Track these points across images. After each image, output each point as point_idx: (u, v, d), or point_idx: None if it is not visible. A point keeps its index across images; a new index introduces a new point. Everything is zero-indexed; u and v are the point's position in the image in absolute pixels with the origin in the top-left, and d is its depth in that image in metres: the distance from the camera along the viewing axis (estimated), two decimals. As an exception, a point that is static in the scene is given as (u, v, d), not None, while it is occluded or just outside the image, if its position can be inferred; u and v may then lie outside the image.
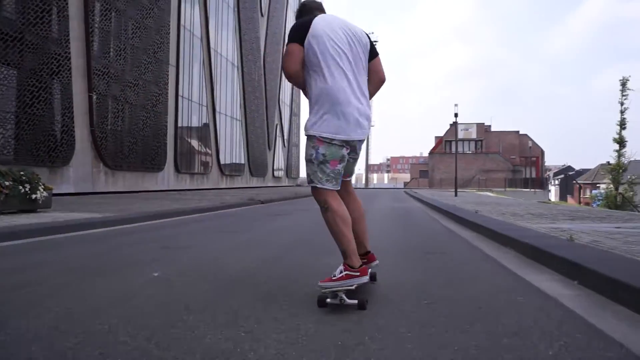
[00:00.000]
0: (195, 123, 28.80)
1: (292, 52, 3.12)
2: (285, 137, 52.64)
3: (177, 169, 26.03)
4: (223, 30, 33.14)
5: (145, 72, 22.42)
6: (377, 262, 3.61)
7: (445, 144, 74.20)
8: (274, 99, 47.19)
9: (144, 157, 22.45)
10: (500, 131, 74.69)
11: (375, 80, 3.40)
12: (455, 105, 26.80)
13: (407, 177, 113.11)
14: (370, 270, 3.39)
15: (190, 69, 27.88)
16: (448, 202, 17.36)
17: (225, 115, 33.80)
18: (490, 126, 75.14)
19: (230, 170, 35.13)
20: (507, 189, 56.80)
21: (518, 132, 75.22)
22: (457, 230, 8.50)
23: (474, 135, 72.73)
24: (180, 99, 26.34)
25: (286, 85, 52.66)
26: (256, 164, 40.86)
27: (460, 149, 73.20)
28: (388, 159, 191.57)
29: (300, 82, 3.26)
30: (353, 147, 3.23)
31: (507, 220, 8.80)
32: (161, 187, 24.25)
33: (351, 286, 2.96)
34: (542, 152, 73.20)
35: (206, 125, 30.24)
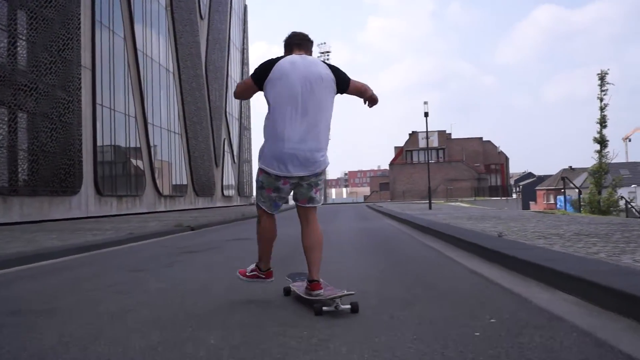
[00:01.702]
0: (121, 136, 24.53)
1: (245, 82, 3.75)
2: (235, 153, 48.56)
3: (99, 192, 21.72)
4: (153, 31, 29.04)
5: (48, 74, 18.18)
6: (321, 290, 3.44)
7: (405, 154, 71.48)
8: (220, 111, 43.15)
9: (50, 179, 18.13)
10: (463, 138, 72.43)
11: (362, 92, 3.78)
12: (425, 103, 23.52)
13: (366, 190, 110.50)
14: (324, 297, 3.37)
15: (112, 73, 23.68)
16: (430, 218, 13.93)
17: (161, 127, 29.60)
18: (450, 134, 72.68)
19: (170, 191, 30.86)
20: (476, 198, 54.06)
21: (481, 138, 73.10)
22: (533, 291, 4.75)
23: (435, 144, 70.13)
24: (99, 107, 22.11)
25: (232, 97, 48.66)
26: (201, 183, 36.65)
27: (422, 159, 70.61)
28: (346, 174, 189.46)
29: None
30: (294, 180, 3.51)
31: (567, 250, 5.46)
32: (77, 214, 19.90)
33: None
34: (507, 159, 71.19)
35: (135, 138, 25.98)
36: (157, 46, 29.67)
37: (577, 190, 46.16)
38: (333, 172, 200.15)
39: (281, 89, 3.43)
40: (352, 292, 3.36)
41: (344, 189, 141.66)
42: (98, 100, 21.97)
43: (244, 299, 3.77)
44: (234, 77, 49.57)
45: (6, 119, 16.09)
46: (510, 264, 4.82)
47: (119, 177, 24.57)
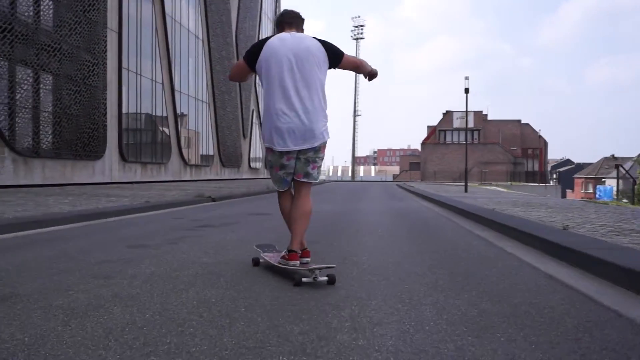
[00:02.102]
0: (147, 103, 24.05)
1: (238, 65, 3.82)
2: (264, 125, 47.87)
3: (124, 157, 21.34)
4: (182, -5, 28.34)
5: (72, 35, 17.68)
6: (297, 262, 3.52)
7: (438, 133, 69.71)
8: (249, 82, 42.44)
9: (73, 142, 17.76)
10: (500, 120, 70.06)
11: (358, 67, 3.81)
12: (466, 78, 22.34)
13: (395, 169, 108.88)
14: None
15: (139, 37, 23.12)
16: (469, 202, 13.12)
17: (188, 95, 29.08)
18: (486, 115, 70.48)
19: (196, 160, 30.46)
20: (512, 183, 52.41)
21: (519, 121, 70.58)
22: None
23: (471, 125, 68.16)
24: (125, 72, 21.61)
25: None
26: (228, 154, 36.19)
27: (455, 139, 68.93)
28: (375, 152, 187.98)
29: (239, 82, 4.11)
30: (294, 154, 3.58)
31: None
32: (101, 179, 19.57)
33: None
34: (546, 144, 68.84)
35: (162, 105, 25.49)
36: (186, 12, 28.97)
37: (616, 180, 44.53)
38: (362, 149, 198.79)
39: (272, 66, 3.51)
40: (333, 265, 3.52)
41: (373, 167, 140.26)
42: (124, 64, 21.47)
43: (247, 302, 2.93)
44: (265, 47, 48.62)
45: (30, 80, 15.66)
46: (603, 271, 3.61)
47: (144, 143, 24.17)
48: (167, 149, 26.16)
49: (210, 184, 23.41)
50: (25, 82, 15.54)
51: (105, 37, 19.79)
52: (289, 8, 3.89)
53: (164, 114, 25.72)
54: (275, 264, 3.62)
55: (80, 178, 18.26)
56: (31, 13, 15.92)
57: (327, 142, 3.69)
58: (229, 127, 36.37)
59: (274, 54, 3.52)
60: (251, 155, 43.34)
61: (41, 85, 16.17)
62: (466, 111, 23.39)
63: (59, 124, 16.96)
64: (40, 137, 16.10)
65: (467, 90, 22.64)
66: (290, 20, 3.75)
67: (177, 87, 27.14)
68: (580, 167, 78.79)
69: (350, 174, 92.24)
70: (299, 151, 3.56)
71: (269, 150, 3.66)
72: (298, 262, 3.51)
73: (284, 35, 3.62)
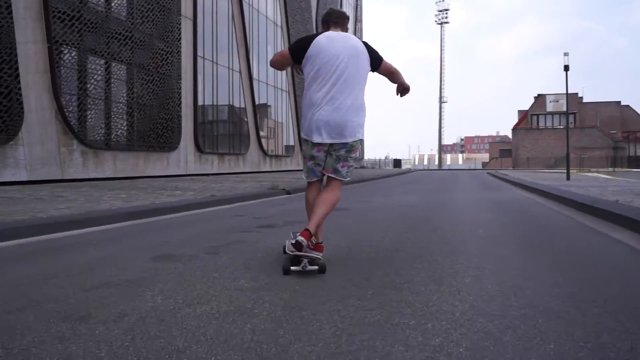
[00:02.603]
0: (224, 91, 23.35)
1: (282, 54, 3.78)
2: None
3: (199, 149, 20.73)
4: (259, -20, 27.42)
5: (145, 22, 17.11)
6: (306, 241, 3.29)
7: (530, 118, 65.55)
8: (331, 69, 41.19)
9: (146, 133, 17.24)
10: (597, 102, 64.83)
11: (392, 74, 3.84)
12: (565, 54, 19.87)
13: (484, 157, 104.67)
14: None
15: (215, 24, 22.41)
16: (579, 192, 11.24)
17: (267, 84, 28.24)
18: (582, 98, 65.38)
19: (275, 151, 29.65)
20: (615, 168, 48.05)
21: (619, 102, 65.07)
22: None
23: (565, 108, 63.62)
24: (200, 60, 20.95)
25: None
26: (309, 143, 35.20)
27: (548, 124, 64.64)
28: (462, 139, 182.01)
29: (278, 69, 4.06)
30: (325, 147, 3.59)
31: None
32: (176, 172, 19.03)
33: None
34: (649, 126, 62.88)
35: (239, 94, 24.73)
36: (264, -2, 28.08)
37: None
38: (448, 137, 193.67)
39: (319, 63, 3.55)
40: (319, 257, 3.32)
41: (460, 155, 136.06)
42: (199, 53, 20.80)
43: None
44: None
45: (101, 69, 15.18)
46: None
47: (221, 134, 23.53)
48: (246, 140, 25.43)
49: (289, 175, 22.40)
50: (96, 71, 15.06)
51: (180, 24, 19.14)
52: (334, 7, 4.05)
53: (242, 104, 24.97)
54: (288, 251, 3.33)
55: (153, 170, 17.73)
56: (101, 0, 15.42)
57: (362, 142, 3.75)
58: (309, 117, 35.33)
59: (322, 51, 3.56)
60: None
61: (112, 75, 15.66)
62: (566, 92, 20.85)
63: (130, 115, 16.45)
64: (111, 129, 15.62)
65: (566, 68, 20.13)
66: (336, 20, 3.80)
67: (255, 75, 26.33)
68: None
69: (437, 162, 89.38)
70: (331, 146, 3.59)
71: (304, 140, 3.71)
72: (306, 242, 3.28)
73: (331, 33, 3.67)
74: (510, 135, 69.10)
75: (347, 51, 3.56)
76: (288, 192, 12.33)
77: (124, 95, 16.33)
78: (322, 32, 3.72)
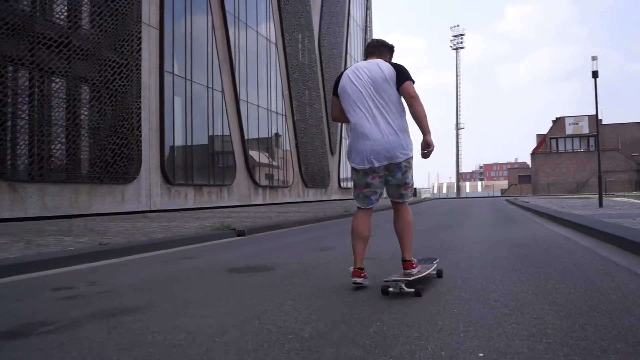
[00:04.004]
0: (201, 113, 20.22)
1: (332, 103, 4.00)
2: (356, 140, 43.21)
3: (168, 180, 17.52)
4: (247, -9, 24.53)
5: (90, 28, 14.14)
6: (413, 270, 3.71)
7: (549, 142, 61.89)
8: (336, 92, 38.04)
9: (91, 161, 14.10)
10: (618, 124, 61.10)
11: (408, 97, 3.71)
12: (593, 58, 16.47)
13: (503, 184, 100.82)
14: (428, 271, 3.82)
15: (189, 36, 19.42)
16: (626, 224, 7.64)
17: (258, 106, 25.10)
18: (601, 120, 61.39)
19: (270, 181, 26.35)
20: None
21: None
22: None
23: (585, 130, 59.82)
24: (169, 76, 17.91)
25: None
26: (312, 172, 31.88)
27: (568, 147, 60.89)
28: (481, 167, 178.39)
29: (345, 122, 3.93)
30: (383, 173, 3.75)
31: None
32: (136, 207, 15.81)
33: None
34: (671, 147, 58.76)
35: (222, 116, 21.57)
36: (253, 10, 25.16)
37: None
38: (467, 165, 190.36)
39: (349, 95, 3.77)
40: (413, 276, 3.57)
41: (479, 183, 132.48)
42: (167, 67, 17.75)
43: None
44: (355, 56, 44.35)
45: (24, 81, 12.15)
46: None
47: (199, 162, 20.31)
48: (231, 169, 22.17)
49: (277, 209, 19.03)
50: (14, 83, 12.01)
51: (140, 33, 16.15)
52: (378, 38, 4.18)
53: (225, 127, 21.78)
54: (397, 277, 3.54)
55: (102, 207, 14.51)
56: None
57: (413, 160, 3.78)
58: (311, 143, 32.11)
59: (349, 84, 3.78)
60: (341, 174, 38.80)
61: (36, 89, 12.59)
62: (596, 102, 17.24)
63: (66, 138, 13.31)
64: (34, 156, 12.47)
65: (595, 74, 16.70)
66: (372, 50, 4.05)
67: (242, 96, 23.23)
68: None
69: (455, 191, 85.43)
70: (387, 172, 3.73)
71: (353, 169, 3.84)
72: (414, 270, 3.67)
73: (358, 64, 3.89)
74: (528, 162, 65.35)
75: (373, 78, 3.72)
76: (240, 233, 8.98)
77: (61, 115, 13.24)
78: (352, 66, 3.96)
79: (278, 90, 27.61)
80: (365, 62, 3.89)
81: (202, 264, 5.29)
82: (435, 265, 4.03)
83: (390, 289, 3.40)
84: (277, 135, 27.35)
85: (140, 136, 15.98)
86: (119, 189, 15.25)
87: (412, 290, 3.37)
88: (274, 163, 27.35)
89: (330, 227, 11.09)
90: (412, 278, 3.47)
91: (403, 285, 3.38)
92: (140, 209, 15.97)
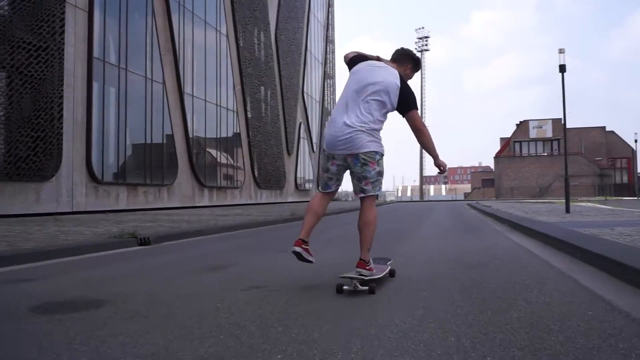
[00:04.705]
0: (138, 106, 18.56)
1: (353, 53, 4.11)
2: (315, 141, 42.01)
3: (95, 178, 15.82)
4: (195, -22, 22.90)
5: (-3, 3, 12.44)
6: (361, 269, 3.65)
7: (513, 145, 61.80)
8: (294, 90, 36.71)
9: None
10: (581, 128, 61.24)
11: (413, 127, 3.91)
12: (560, 51, 15.48)
13: (467, 187, 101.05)
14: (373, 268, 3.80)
15: (125, 21, 17.76)
16: (609, 234, 6.41)
17: (205, 101, 23.51)
18: (564, 124, 61.54)
19: (218, 181, 24.77)
20: (607, 197, 43.92)
21: (604, 128, 61.78)
22: None
23: (549, 134, 59.90)
24: (99, 64, 16.23)
25: (313, 77, 42.17)
26: (266, 173, 30.40)
27: (532, 151, 60.94)
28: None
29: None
30: (343, 163, 3.81)
31: None
32: (55, 208, 14.10)
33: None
34: (634, 153, 59.18)
35: (163, 109, 19.92)
36: (202, -2, 23.56)
37: None
38: (431, 168, 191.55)
39: (349, 82, 3.92)
40: (364, 276, 3.60)
41: (443, 186, 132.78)
42: (97, 54, 16.07)
43: None
44: (316, 54, 43.04)
45: None
46: None
47: (134, 159, 18.65)
48: (173, 167, 20.55)
49: (218, 211, 17.50)
50: None
51: (63, 14, 14.46)
52: (404, 46, 4.19)
53: (167, 121, 20.15)
54: (356, 276, 3.61)
55: (12, 207, 12.79)
56: None
57: (379, 158, 3.77)
58: (266, 142, 30.62)
59: (355, 73, 3.90)
60: (299, 175, 37.41)
61: None
62: (563, 98, 16.27)
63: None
64: None
65: (562, 69, 15.71)
66: (395, 57, 4.08)
67: (187, 90, 21.62)
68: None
69: (419, 194, 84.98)
70: (347, 163, 3.77)
71: (322, 152, 3.94)
72: (363, 270, 3.63)
73: (376, 63, 3.95)
74: (492, 166, 65.20)
75: (376, 80, 3.77)
76: (144, 242, 7.51)
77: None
78: (374, 60, 4.02)
79: (229, 85, 26.04)
80: (387, 67, 3.90)
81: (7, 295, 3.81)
82: (389, 266, 4.13)
83: (345, 287, 3.52)
84: (227, 132, 25.74)
85: (62, 128, 14.30)
86: (33, 188, 13.54)
87: (366, 288, 3.49)
88: (223, 162, 25.77)
89: (259, 235, 9.68)
90: (367, 278, 3.57)
91: (357, 284, 3.51)
92: (60, 210, 14.27)
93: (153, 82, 19.16)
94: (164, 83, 19.81)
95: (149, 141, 18.93)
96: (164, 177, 19.86)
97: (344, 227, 10.88)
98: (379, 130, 3.77)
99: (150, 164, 19.27)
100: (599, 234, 6.69)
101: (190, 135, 21.57)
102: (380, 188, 3.90)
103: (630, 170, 59.75)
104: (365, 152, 3.66)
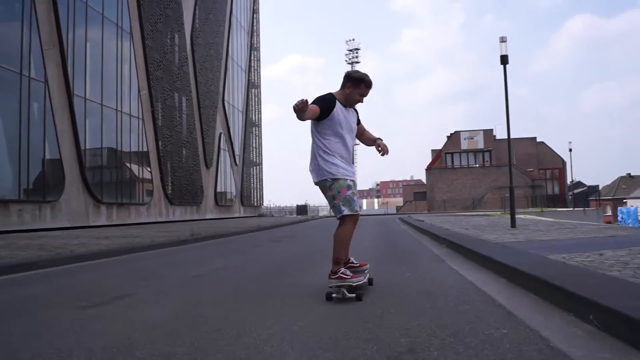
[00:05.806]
0: (9, 106, 15.54)
1: (312, 109, 4.12)
2: (237, 153, 39.41)
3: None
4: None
5: None
6: (331, 281, 3.94)
7: (445, 157, 61.32)
8: (213, 97, 34.09)
9: None
10: (513, 139, 61.20)
11: (362, 131, 4.84)
12: (502, 40, 13.85)
13: (399, 201, 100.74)
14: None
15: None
16: (585, 258, 4.26)
17: (102, 105, 20.59)
18: (495, 136, 61.77)
19: (119, 197, 21.80)
20: (543, 209, 43.53)
21: (535, 139, 62.33)
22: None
23: (481, 145, 59.72)
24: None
25: (235, 85, 39.72)
26: (179, 188, 27.57)
27: (464, 162, 60.68)
28: (377, 184, 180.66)
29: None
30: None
31: None
32: None
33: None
34: (564, 163, 60.04)
35: (43, 113, 16.93)
36: (99, -10, 20.73)
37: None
38: (364, 182, 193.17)
39: (337, 121, 4.42)
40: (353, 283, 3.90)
41: (376, 200, 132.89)
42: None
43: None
44: (239, 61, 40.63)
45: None
46: None
47: (2, 169, 15.58)
48: (58, 180, 17.52)
49: (110, 232, 14.71)
50: None
51: None
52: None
53: (50, 126, 17.15)
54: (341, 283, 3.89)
55: None
56: None
57: (334, 183, 4.22)
58: (179, 153, 27.84)
59: (337, 110, 4.36)
60: (219, 189, 34.69)
61: None
62: (506, 92, 14.75)
63: None
64: None
65: (504, 60, 14.05)
66: (355, 81, 4.50)
67: (78, 91, 18.70)
68: (594, 189, 68.97)
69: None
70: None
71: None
72: (331, 280, 3.92)
73: (340, 103, 4.43)
74: (424, 179, 64.57)
75: (346, 111, 4.50)
76: None
77: None
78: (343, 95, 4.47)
79: (134, 89, 23.21)
80: (344, 107, 4.45)
81: None
82: (367, 273, 4.34)
83: (334, 295, 3.81)
84: (131, 141, 22.83)
85: None
86: None
87: (354, 295, 3.79)
88: (126, 175, 22.81)
89: (105, 269, 7.20)
90: (355, 284, 3.90)
91: (345, 291, 3.80)
92: None
93: (31, 80, 16.17)
94: (46, 82, 16.85)
95: (24, 148, 15.84)
96: (46, 193, 16.81)
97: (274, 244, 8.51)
98: (316, 156, 4.36)
99: (27, 176, 16.19)
100: (581, 260, 4.71)
101: (82, 144, 18.60)
102: (345, 209, 4.17)
103: (561, 180, 60.53)
104: (319, 180, 4.34)
